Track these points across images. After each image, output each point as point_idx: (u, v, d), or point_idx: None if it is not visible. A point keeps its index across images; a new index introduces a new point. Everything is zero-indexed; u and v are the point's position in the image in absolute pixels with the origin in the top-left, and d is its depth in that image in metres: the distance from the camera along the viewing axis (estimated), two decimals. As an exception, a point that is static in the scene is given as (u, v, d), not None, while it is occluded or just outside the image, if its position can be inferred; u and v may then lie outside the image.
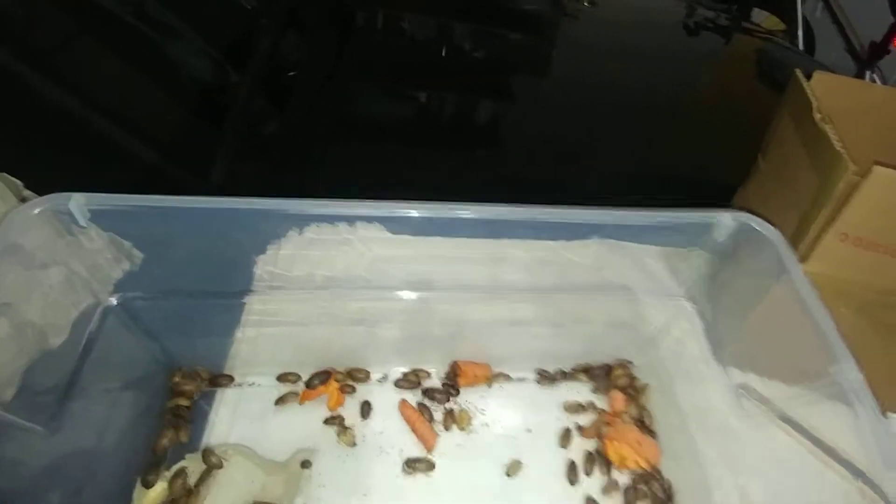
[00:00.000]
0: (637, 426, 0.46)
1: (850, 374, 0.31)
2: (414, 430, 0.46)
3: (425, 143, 0.79)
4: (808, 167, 0.44)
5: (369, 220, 0.38)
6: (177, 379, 0.46)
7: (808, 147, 0.45)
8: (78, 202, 0.34)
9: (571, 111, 0.88)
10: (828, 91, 0.47)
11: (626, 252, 0.39)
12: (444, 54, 0.96)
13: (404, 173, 0.73)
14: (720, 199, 0.72)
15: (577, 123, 0.85)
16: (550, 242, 0.40)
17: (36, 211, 0.33)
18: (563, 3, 1.11)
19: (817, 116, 0.43)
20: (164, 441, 0.42)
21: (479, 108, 0.90)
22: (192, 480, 0.40)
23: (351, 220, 0.37)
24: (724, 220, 0.38)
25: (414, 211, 0.37)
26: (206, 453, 0.41)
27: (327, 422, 0.46)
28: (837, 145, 0.41)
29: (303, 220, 0.37)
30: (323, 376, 0.47)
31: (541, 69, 0.99)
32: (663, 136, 0.86)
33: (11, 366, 0.33)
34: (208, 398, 0.47)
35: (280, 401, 0.47)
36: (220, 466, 0.41)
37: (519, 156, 0.79)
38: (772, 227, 0.38)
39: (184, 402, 0.45)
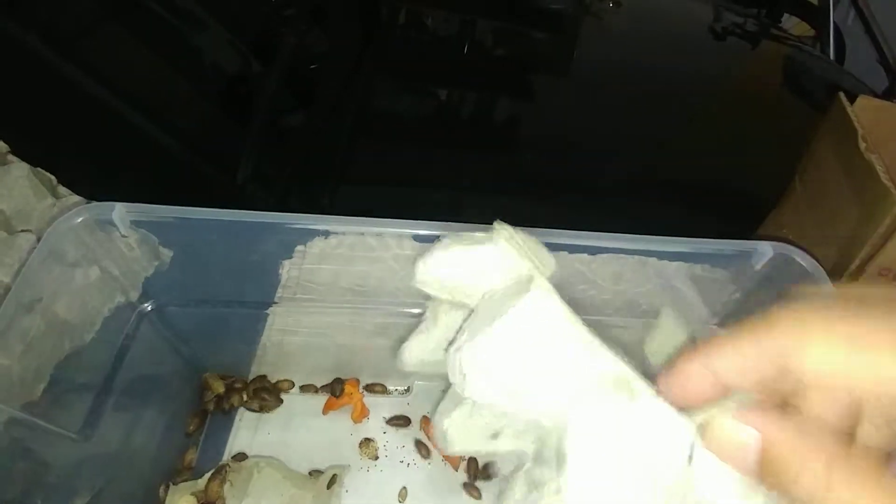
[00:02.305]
0: None
1: None
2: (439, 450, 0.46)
3: (447, 139, 0.79)
4: (851, 197, 0.43)
5: (397, 236, 0.37)
6: (205, 384, 0.46)
7: (852, 176, 0.44)
8: (121, 212, 0.34)
9: (593, 111, 0.87)
10: (872, 117, 0.46)
11: (657, 274, 0.39)
12: (466, 51, 0.96)
13: (426, 169, 0.72)
14: (740, 204, 0.71)
15: (598, 124, 0.85)
16: (578, 255, 0.39)
17: (80, 220, 0.34)
18: (587, 3, 1.10)
19: (863, 146, 0.42)
20: (193, 449, 0.42)
21: (500, 105, 0.89)
22: (221, 490, 0.40)
23: (379, 235, 0.37)
24: (763, 250, 0.38)
25: (442, 231, 0.36)
26: (237, 464, 0.41)
27: (349, 433, 0.46)
28: (884, 178, 0.40)
29: (330, 234, 0.37)
30: (347, 388, 0.47)
31: (563, 69, 0.98)
32: (686, 140, 0.85)
33: (44, 364, 0.33)
34: (234, 405, 0.47)
35: (303, 410, 0.47)
36: (250, 478, 0.41)
37: (539, 154, 0.79)
38: (812, 259, 0.37)
39: (211, 408, 0.45)
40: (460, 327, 0.31)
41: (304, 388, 0.48)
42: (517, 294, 0.28)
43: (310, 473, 0.43)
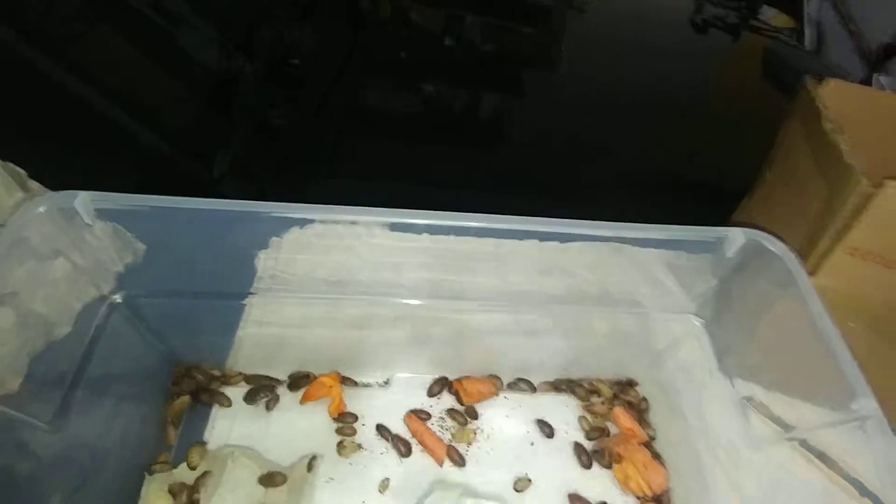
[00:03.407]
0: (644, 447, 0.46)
1: (862, 393, 0.31)
2: (422, 444, 0.46)
3: (433, 136, 0.79)
4: (817, 179, 0.44)
5: (374, 225, 0.37)
6: (180, 376, 0.46)
7: (818, 158, 0.44)
8: (84, 201, 0.34)
9: (577, 106, 0.88)
10: (839, 99, 0.46)
11: (635, 262, 0.39)
12: (452, 47, 0.96)
13: (412, 166, 0.73)
14: (723, 198, 0.72)
15: (581, 118, 0.86)
16: (556, 244, 0.39)
17: (41, 209, 0.33)
18: (570, -4, 1.11)
19: (827, 126, 0.43)
20: (168, 441, 0.42)
21: (486, 101, 0.90)
22: (196, 480, 0.40)
23: (355, 224, 0.37)
24: (735, 237, 0.38)
25: (420, 220, 0.36)
26: (212, 454, 0.41)
27: (327, 426, 0.46)
28: (848, 157, 0.40)
29: (306, 224, 0.37)
30: (326, 380, 0.47)
31: (548, 63, 1.00)
32: (668, 133, 0.86)
33: (17, 356, 0.33)
34: (210, 396, 0.46)
35: (281, 403, 0.46)
36: (224, 467, 0.40)
37: (526, 149, 0.79)
38: (782, 245, 0.38)
39: (186, 399, 0.45)
40: None
41: (281, 380, 0.48)
42: None
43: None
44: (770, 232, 0.39)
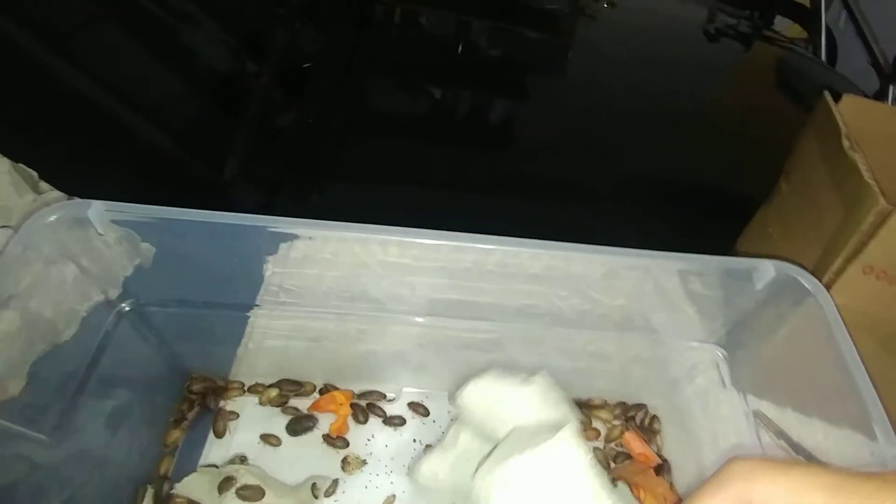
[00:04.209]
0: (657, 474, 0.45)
1: (889, 441, 0.30)
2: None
3: (438, 139, 0.79)
4: (834, 196, 0.43)
5: (383, 243, 0.37)
6: (186, 386, 0.46)
7: (835, 175, 0.43)
8: (97, 210, 0.34)
9: (586, 112, 0.87)
10: (857, 116, 0.45)
11: (654, 287, 0.38)
12: (460, 51, 0.96)
13: (418, 168, 0.72)
14: (732, 209, 0.71)
15: (591, 125, 0.85)
16: (570, 263, 0.38)
17: (54, 217, 0.33)
18: (581, 3, 1.10)
19: (846, 144, 0.42)
20: (170, 453, 0.42)
21: (494, 106, 0.89)
22: (202, 496, 0.40)
23: (364, 241, 0.37)
24: (765, 269, 0.37)
25: (429, 239, 0.36)
26: (219, 471, 0.41)
27: (329, 442, 0.46)
28: (867, 176, 0.39)
29: (314, 239, 0.36)
30: (338, 396, 0.46)
31: (557, 69, 0.99)
32: (679, 142, 0.85)
33: (21, 360, 0.33)
34: (212, 407, 0.46)
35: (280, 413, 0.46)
36: (232, 485, 0.40)
37: (533, 155, 0.79)
38: (814, 280, 0.37)
39: (190, 409, 0.45)
40: (486, 455, 0.35)
41: (286, 392, 0.47)
42: (549, 432, 0.33)
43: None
44: (798, 264, 0.38)
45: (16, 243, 0.32)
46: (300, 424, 0.46)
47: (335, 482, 0.43)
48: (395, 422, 0.47)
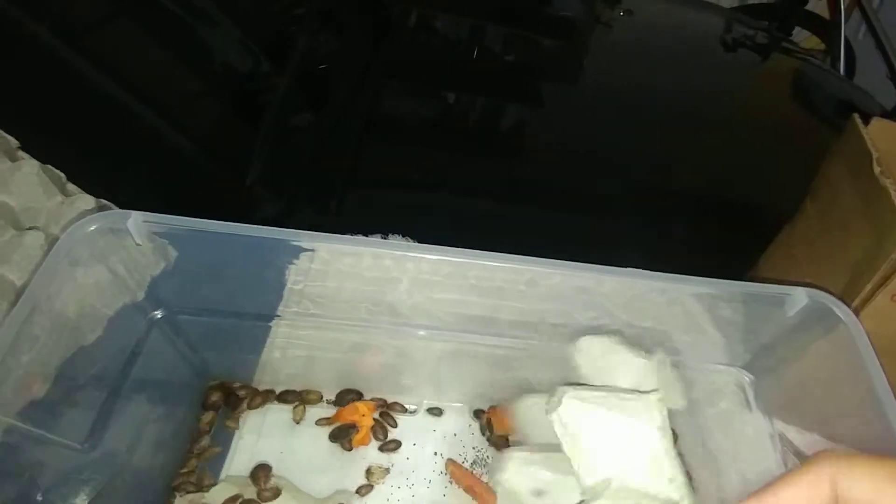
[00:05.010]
0: None
1: None
2: (471, 493, 0.45)
3: (455, 144, 0.79)
4: (863, 221, 0.43)
5: (407, 259, 0.37)
6: (211, 393, 0.46)
7: (864, 200, 0.43)
8: (136, 221, 0.34)
9: (601, 120, 0.87)
10: (886, 139, 0.45)
11: (680, 309, 0.38)
12: (475, 56, 0.96)
13: (435, 173, 0.73)
14: (751, 221, 0.71)
15: (606, 133, 0.85)
16: (594, 282, 0.38)
17: (94, 227, 0.34)
18: (597, 10, 1.10)
19: (877, 170, 0.42)
20: (195, 458, 0.42)
21: (509, 112, 0.89)
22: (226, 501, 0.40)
23: (390, 257, 0.37)
24: (798, 297, 0.37)
25: (452, 257, 0.36)
26: (245, 479, 0.41)
27: (352, 452, 0.46)
28: (898, 203, 0.39)
29: (341, 253, 0.37)
30: (361, 407, 0.47)
31: (572, 76, 0.98)
32: (694, 151, 0.85)
33: (49, 366, 0.33)
34: (236, 415, 0.47)
35: (310, 422, 0.47)
36: (272, 498, 0.40)
37: (548, 162, 0.79)
38: (847, 309, 0.36)
39: (216, 416, 0.45)
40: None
41: (311, 400, 0.48)
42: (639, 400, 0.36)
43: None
44: (830, 292, 0.38)
45: (57, 251, 0.32)
46: (326, 434, 0.46)
47: (359, 494, 0.43)
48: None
